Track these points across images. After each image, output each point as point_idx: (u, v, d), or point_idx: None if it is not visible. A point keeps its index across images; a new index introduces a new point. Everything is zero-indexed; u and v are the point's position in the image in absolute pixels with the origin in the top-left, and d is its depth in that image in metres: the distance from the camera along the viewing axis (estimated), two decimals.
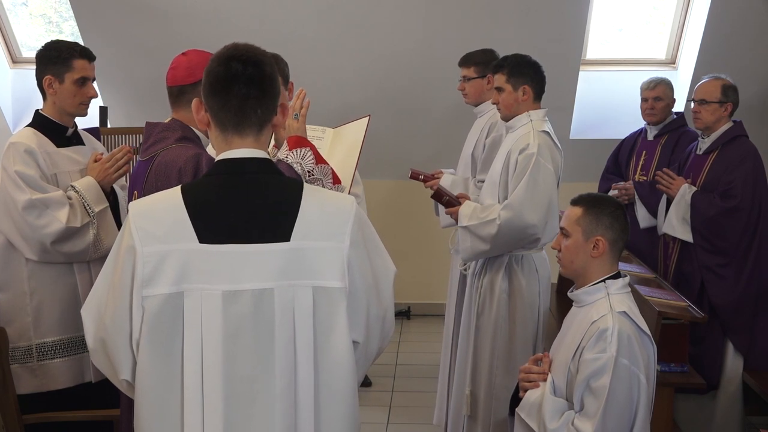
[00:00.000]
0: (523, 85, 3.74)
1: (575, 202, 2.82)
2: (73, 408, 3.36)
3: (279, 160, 2.57)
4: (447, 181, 4.42)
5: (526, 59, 3.79)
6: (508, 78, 3.76)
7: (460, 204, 3.84)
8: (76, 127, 3.53)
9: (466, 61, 4.58)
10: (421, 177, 4.34)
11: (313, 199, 1.96)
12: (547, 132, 3.72)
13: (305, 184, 1.99)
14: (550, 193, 3.63)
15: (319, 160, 2.62)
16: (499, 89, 3.80)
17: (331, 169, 2.64)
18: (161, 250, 1.88)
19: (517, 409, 2.78)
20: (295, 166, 2.56)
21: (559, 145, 3.76)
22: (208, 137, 2.73)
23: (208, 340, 1.87)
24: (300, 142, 2.66)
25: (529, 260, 3.76)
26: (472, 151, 4.52)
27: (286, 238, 1.90)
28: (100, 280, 2.00)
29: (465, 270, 4.02)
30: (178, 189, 1.97)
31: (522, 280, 3.75)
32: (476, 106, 4.59)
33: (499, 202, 3.72)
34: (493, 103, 3.94)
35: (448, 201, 3.90)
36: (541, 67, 3.79)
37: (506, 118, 3.84)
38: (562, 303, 4.40)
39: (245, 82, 1.93)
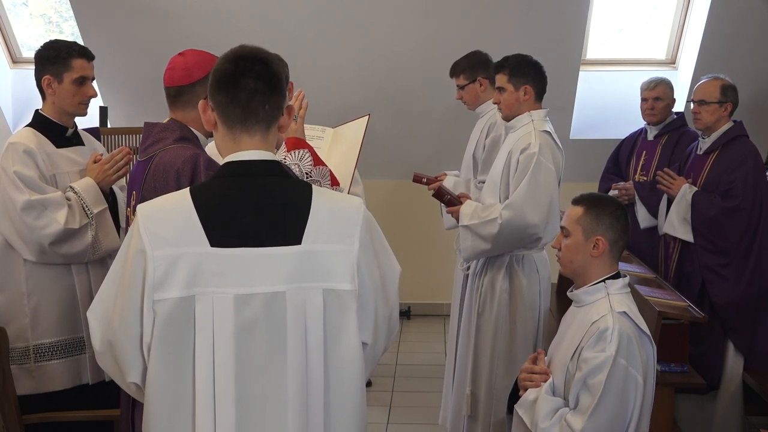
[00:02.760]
0: (525, 85, 3.74)
1: (576, 202, 2.82)
2: (69, 410, 3.35)
3: None
4: (449, 183, 4.42)
5: (527, 59, 3.78)
6: (509, 78, 3.75)
7: (461, 203, 3.84)
8: (76, 127, 3.52)
9: (453, 71, 4.61)
10: (424, 180, 4.33)
11: (322, 201, 1.95)
12: (549, 132, 3.71)
13: (314, 187, 1.98)
14: (551, 192, 3.62)
15: (317, 161, 2.61)
16: (500, 89, 3.79)
17: (329, 170, 2.63)
18: (172, 253, 1.86)
19: (516, 405, 2.77)
20: (293, 167, 2.55)
21: (560, 145, 3.76)
22: (207, 138, 2.74)
23: (219, 343, 1.86)
24: (298, 143, 2.65)
25: (530, 260, 3.76)
26: (473, 152, 4.53)
27: (297, 240, 1.89)
28: (108, 282, 1.97)
29: (466, 270, 4.02)
30: (186, 191, 1.95)
31: (523, 280, 3.75)
32: (476, 108, 4.60)
33: (500, 202, 3.71)
34: (494, 103, 3.94)
35: (449, 200, 3.89)
36: (543, 67, 3.78)
37: (507, 118, 3.84)
38: (562, 303, 4.39)
39: (253, 77, 1.92)
